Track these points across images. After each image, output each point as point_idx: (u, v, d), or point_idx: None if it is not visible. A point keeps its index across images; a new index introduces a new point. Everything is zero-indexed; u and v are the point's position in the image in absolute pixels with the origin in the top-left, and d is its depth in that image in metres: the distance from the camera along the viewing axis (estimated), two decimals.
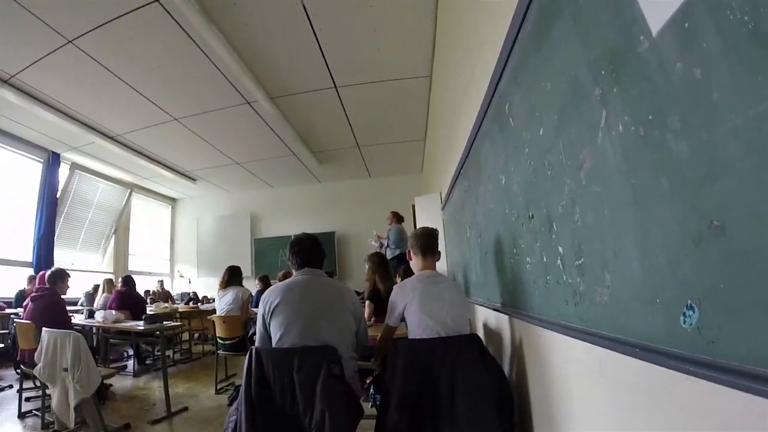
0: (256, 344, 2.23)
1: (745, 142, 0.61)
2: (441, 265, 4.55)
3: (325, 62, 5.03)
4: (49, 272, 4.17)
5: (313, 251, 2.40)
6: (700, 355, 0.73)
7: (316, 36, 4.50)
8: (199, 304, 8.88)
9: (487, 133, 2.24)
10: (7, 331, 5.80)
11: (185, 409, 4.16)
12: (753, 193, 0.60)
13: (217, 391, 4.84)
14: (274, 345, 2.14)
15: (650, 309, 0.87)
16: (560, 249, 1.30)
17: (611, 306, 1.03)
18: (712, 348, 0.70)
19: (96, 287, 7.17)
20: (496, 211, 2.17)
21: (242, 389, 2.01)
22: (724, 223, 0.65)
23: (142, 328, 4.46)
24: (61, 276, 4.15)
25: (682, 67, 0.73)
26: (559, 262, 1.32)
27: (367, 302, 3.80)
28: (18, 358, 3.98)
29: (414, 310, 2.26)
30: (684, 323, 0.76)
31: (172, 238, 12.00)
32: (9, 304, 6.32)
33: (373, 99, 6.05)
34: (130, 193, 10.26)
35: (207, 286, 10.71)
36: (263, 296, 2.28)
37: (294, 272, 2.38)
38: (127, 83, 5.40)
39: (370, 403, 3.30)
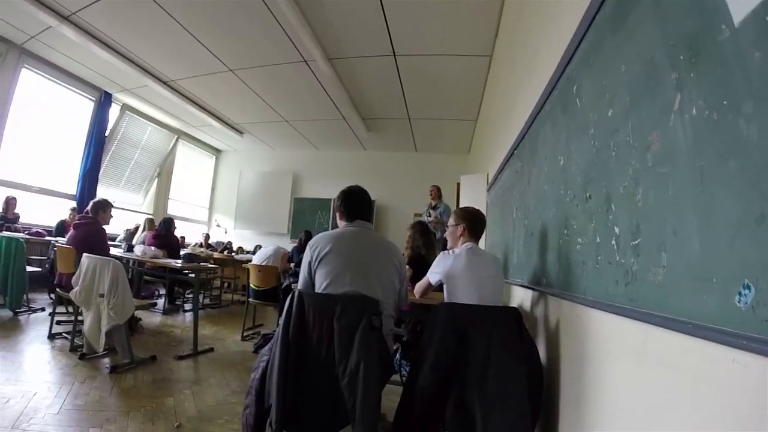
0: (299, 288, 2.24)
1: None
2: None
3: (388, 29, 5.02)
4: (92, 202, 4.29)
5: (364, 203, 2.40)
6: (752, 333, 0.75)
7: (381, 1, 4.49)
8: (233, 254, 9.18)
9: (549, 114, 2.25)
10: (45, 258, 6.13)
11: (211, 349, 4.35)
12: None
13: (243, 338, 5.02)
14: (318, 291, 2.15)
15: (705, 288, 0.89)
16: (616, 229, 1.33)
17: (664, 286, 1.05)
18: (766, 326, 0.72)
19: (137, 226, 7.53)
20: (549, 192, 2.18)
21: (279, 330, 2.02)
22: None
23: (179, 264, 4.60)
24: (104, 206, 4.28)
25: (760, 56, 0.77)
26: (613, 242, 1.34)
27: (407, 267, 3.86)
28: (55, 282, 4.13)
29: (457, 275, 2.35)
30: (739, 302, 0.79)
31: (213, 187, 12.37)
32: (49, 233, 6.62)
33: (431, 73, 6.02)
34: (177, 140, 10.59)
35: (242, 237, 11.11)
36: (311, 242, 2.26)
37: (343, 223, 2.37)
38: (187, 29, 5.49)
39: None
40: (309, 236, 6.21)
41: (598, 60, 1.56)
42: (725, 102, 0.86)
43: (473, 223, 2.56)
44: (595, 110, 1.57)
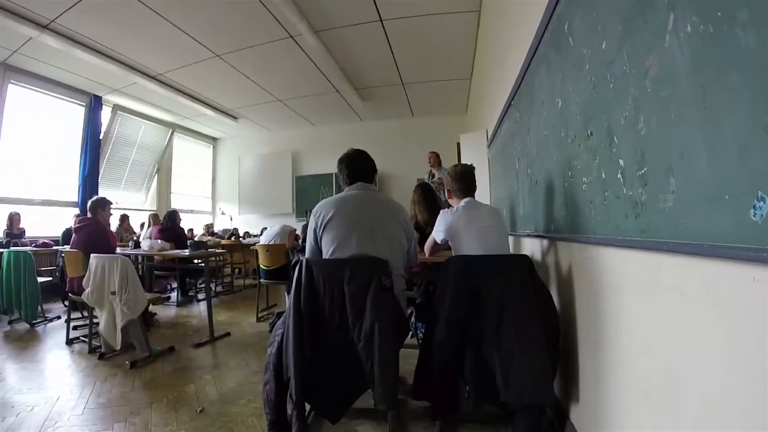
0: (306, 256, 2.21)
1: None
2: (485, 200, 4.55)
3: None
4: (89, 202, 4.26)
5: (364, 165, 2.37)
6: None
7: None
8: (241, 239, 9.23)
9: (543, 57, 2.20)
10: (54, 267, 6.16)
11: (227, 334, 4.40)
12: None
13: (258, 319, 5.08)
14: (325, 258, 2.13)
15: (718, 206, 0.88)
16: (621, 162, 1.31)
17: (675, 211, 1.04)
18: None
19: (141, 225, 7.61)
20: (550, 137, 2.15)
21: (290, 301, 2.01)
22: None
23: (188, 253, 4.61)
24: (102, 204, 4.25)
25: None
26: (619, 175, 1.33)
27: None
28: (67, 288, 4.14)
29: (459, 230, 2.36)
30: (754, 216, 0.77)
31: (213, 176, 12.35)
32: (57, 242, 6.67)
33: (420, 34, 5.90)
34: (172, 133, 10.54)
35: (248, 222, 11.15)
36: (314, 209, 2.25)
37: (345, 188, 2.36)
38: (167, 19, 5.39)
39: (410, 333, 3.43)
40: None
41: None
42: (719, 13, 0.84)
43: (457, 182, 2.56)
44: (588, 45, 1.53)
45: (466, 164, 2.67)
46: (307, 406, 2.05)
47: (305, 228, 6.19)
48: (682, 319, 1.06)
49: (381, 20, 5.53)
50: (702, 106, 0.91)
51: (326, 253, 2.14)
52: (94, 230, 4.12)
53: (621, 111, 1.28)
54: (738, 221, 0.82)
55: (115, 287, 3.46)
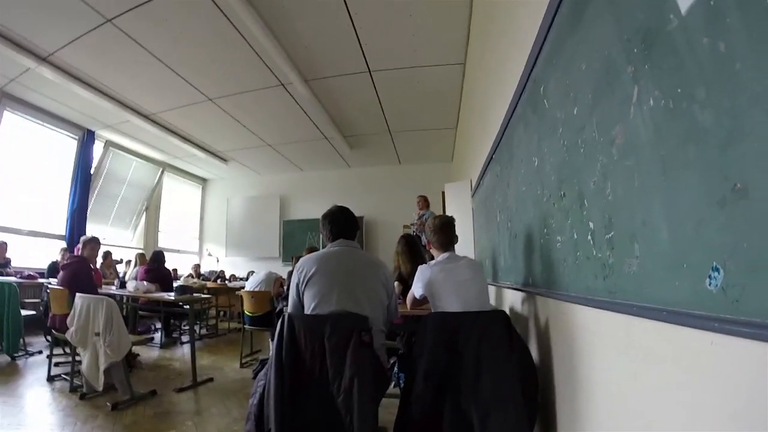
0: (288, 311, 2.24)
1: (766, 108, 0.66)
2: (469, 252, 4.61)
3: (360, 46, 5.07)
4: (81, 239, 4.27)
5: (346, 222, 2.41)
6: (725, 314, 0.77)
7: (351, 20, 4.55)
8: (226, 282, 9.13)
9: (521, 116, 2.28)
10: (38, 300, 6.07)
11: (210, 379, 4.32)
12: None
13: (242, 365, 5.01)
14: (307, 313, 2.16)
15: (677, 274, 0.91)
16: (591, 224, 1.35)
17: (639, 275, 1.07)
18: (737, 306, 0.74)
19: (127, 261, 7.53)
20: (527, 193, 2.21)
21: (272, 354, 2.02)
22: (747, 185, 0.70)
23: (173, 297, 4.59)
24: (92, 243, 4.26)
25: (708, 41, 0.79)
26: (589, 237, 1.36)
27: (396, 283, 3.86)
28: (49, 324, 4.10)
29: (437, 285, 2.38)
30: (710, 285, 0.80)
31: (201, 216, 12.29)
32: (42, 275, 6.52)
33: (407, 85, 6.08)
34: (162, 172, 10.54)
35: (234, 265, 11.03)
36: (297, 265, 2.29)
37: (328, 244, 2.39)
38: (164, 63, 5.52)
39: (393, 383, 3.37)
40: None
41: (561, 60, 1.60)
42: (679, 90, 0.88)
43: (436, 234, 2.60)
44: (561, 109, 1.60)
45: (446, 216, 2.72)
46: None
47: (290, 274, 6.19)
48: (655, 377, 1.07)
49: (369, 71, 5.70)
50: (662, 177, 0.95)
51: (308, 308, 2.17)
52: (79, 268, 4.12)
53: (591, 176, 1.33)
54: (695, 289, 0.85)
55: (99, 328, 3.44)
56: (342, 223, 2.40)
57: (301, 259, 2.33)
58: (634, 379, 1.18)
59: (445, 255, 2.53)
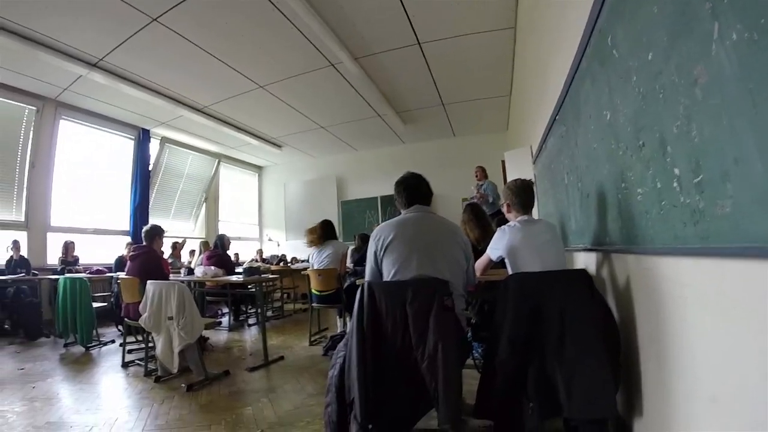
0: (367, 279, 2.27)
1: None
2: (534, 215, 4.48)
3: (408, 18, 5.03)
4: (143, 230, 4.45)
5: (420, 188, 2.41)
6: None
7: None
8: (289, 264, 9.43)
9: (587, 71, 2.22)
10: (109, 293, 6.49)
11: (281, 358, 4.45)
12: None
13: (311, 343, 5.11)
14: (387, 280, 2.18)
15: None
16: (676, 170, 1.32)
17: (734, 215, 1.04)
18: None
19: (191, 251, 8.04)
20: (599, 150, 2.15)
21: (353, 324, 2.04)
22: None
23: (241, 279, 4.72)
24: (157, 232, 4.42)
25: None
26: (675, 184, 1.33)
27: None
28: (122, 314, 4.30)
29: (518, 247, 2.36)
30: None
31: (260, 203, 12.76)
32: (109, 269, 7.02)
33: (458, 54, 6.00)
34: (218, 163, 10.95)
35: (295, 248, 11.35)
36: (374, 233, 2.31)
37: (402, 211, 2.40)
38: (212, 55, 5.68)
39: None
40: (363, 239, 6.22)
41: (629, 6, 1.55)
42: (762, 20, 0.86)
43: (518, 195, 2.55)
44: (634, 57, 1.55)
45: (525, 179, 2.68)
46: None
47: (354, 251, 6.30)
48: (751, 329, 1.04)
49: (419, 43, 5.66)
50: (753, 111, 0.92)
51: (387, 275, 2.19)
52: (148, 258, 4.28)
53: (673, 120, 1.29)
54: None
55: (172, 312, 3.57)
56: (416, 189, 2.41)
57: (378, 227, 2.34)
58: (727, 328, 1.16)
59: (524, 217, 2.51)
